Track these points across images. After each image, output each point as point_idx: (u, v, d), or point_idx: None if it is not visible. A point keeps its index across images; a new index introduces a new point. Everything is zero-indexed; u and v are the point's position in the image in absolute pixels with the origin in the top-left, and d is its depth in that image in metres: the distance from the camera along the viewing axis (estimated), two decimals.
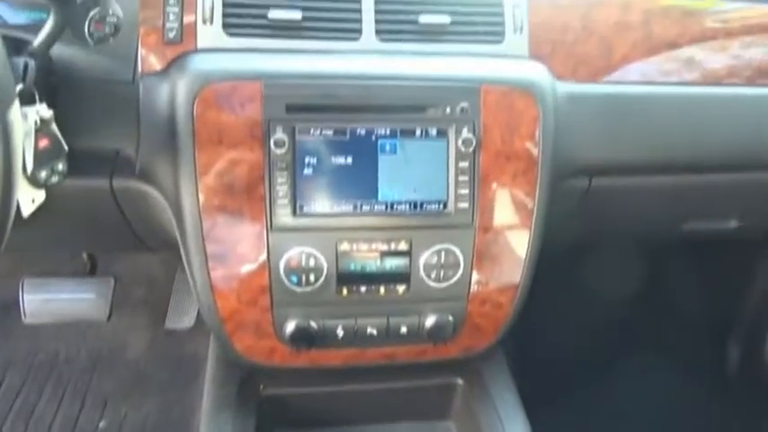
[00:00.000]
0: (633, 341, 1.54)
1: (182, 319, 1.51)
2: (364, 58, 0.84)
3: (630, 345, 1.54)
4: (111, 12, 0.85)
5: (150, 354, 1.53)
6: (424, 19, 0.85)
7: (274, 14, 0.83)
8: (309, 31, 0.84)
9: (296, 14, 0.83)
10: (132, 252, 1.45)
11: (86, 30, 0.84)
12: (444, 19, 0.86)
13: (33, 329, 1.48)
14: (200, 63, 0.80)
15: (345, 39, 0.85)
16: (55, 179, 0.77)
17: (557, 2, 0.91)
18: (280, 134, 0.79)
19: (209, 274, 0.82)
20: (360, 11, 0.85)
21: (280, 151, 0.79)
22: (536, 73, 0.87)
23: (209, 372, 0.95)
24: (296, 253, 0.81)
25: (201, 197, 0.79)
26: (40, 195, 0.77)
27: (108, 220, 0.92)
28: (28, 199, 0.75)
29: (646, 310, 1.55)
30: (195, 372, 1.48)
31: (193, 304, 1.51)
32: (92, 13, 0.84)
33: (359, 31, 0.85)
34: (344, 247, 0.82)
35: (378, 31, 0.85)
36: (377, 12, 0.85)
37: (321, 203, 0.81)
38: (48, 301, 1.37)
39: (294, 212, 0.80)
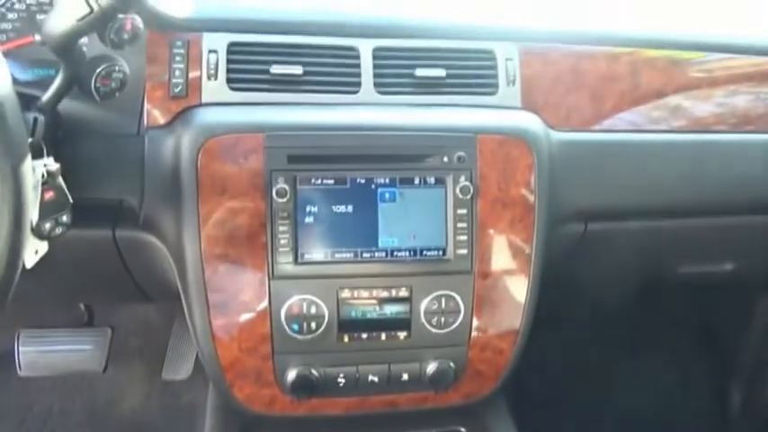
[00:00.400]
0: (630, 381, 1.53)
1: (179, 369, 1.49)
2: (362, 110, 0.87)
3: (627, 384, 1.53)
4: (117, 68, 0.88)
5: (147, 405, 1.50)
6: (421, 72, 0.89)
7: (276, 69, 0.86)
8: (310, 84, 0.87)
9: (297, 69, 0.86)
10: (131, 302, 1.45)
11: (93, 85, 0.87)
12: (440, 72, 0.89)
13: (27, 382, 1.46)
14: (204, 116, 0.83)
15: (345, 92, 0.88)
16: (59, 230, 0.78)
17: (548, 56, 0.94)
18: (281, 184, 0.80)
19: (210, 322, 0.82)
20: (359, 65, 0.88)
21: (281, 200, 0.80)
22: (529, 122, 0.89)
23: (209, 421, 0.94)
24: (297, 300, 0.82)
25: (204, 246, 0.81)
26: (43, 247, 0.78)
27: (109, 270, 0.92)
28: (31, 250, 0.75)
29: (644, 350, 1.54)
30: (192, 422, 1.45)
31: (191, 354, 1.50)
32: (99, 69, 0.87)
33: (358, 84, 0.88)
34: (345, 294, 0.83)
35: (376, 84, 0.88)
36: (375, 66, 0.88)
37: (322, 251, 0.83)
38: (43, 353, 1.35)
39: (295, 260, 0.82)
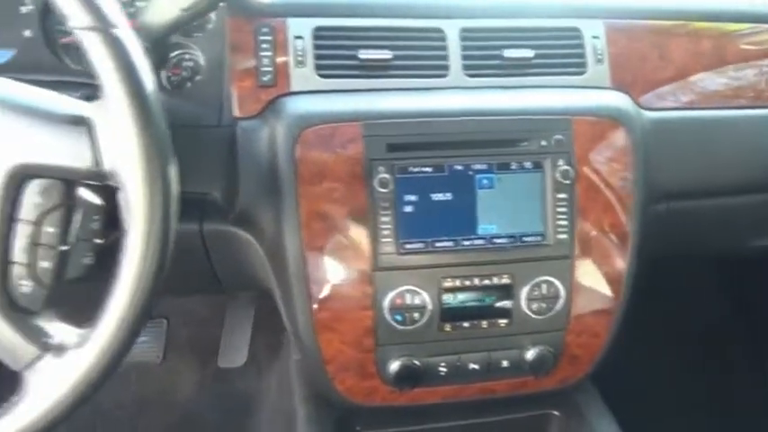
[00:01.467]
0: (728, 359, 1.53)
1: (234, 357, 1.49)
2: (456, 95, 0.84)
3: (727, 363, 1.52)
4: (187, 56, 0.85)
5: (200, 394, 1.50)
6: (509, 53, 0.87)
7: (365, 54, 0.83)
8: (399, 69, 0.85)
9: (386, 54, 0.84)
10: (203, 294, 1.43)
11: (165, 75, 0.84)
12: (528, 53, 0.87)
13: None
14: (297, 106, 0.80)
15: (434, 76, 0.85)
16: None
17: (633, 33, 0.92)
18: (383, 173, 0.79)
19: (312, 315, 0.81)
20: (446, 48, 0.86)
21: (383, 190, 0.78)
22: (621, 102, 0.88)
23: (302, 411, 0.94)
24: (400, 291, 0.81)
25: (305, 239, 0.79)
26: None
27: (190, 263, 0.90)
28: None
29: (740, 326, 1.53)
30: (248, 410, 1.45)
31: (244, 343, 1.49)
32: (169, 57, 0.84)
33: (446, 67, 0.86)
34: (447, 283, 0.82)
35: (465, 67, 0.86)
36: (463, 48, 0.86)
37: (422, 241, 0.81)
38: None
39: (397, 251, 0.80)
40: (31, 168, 0.52)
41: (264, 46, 0.82)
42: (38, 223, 0.53)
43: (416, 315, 0.81)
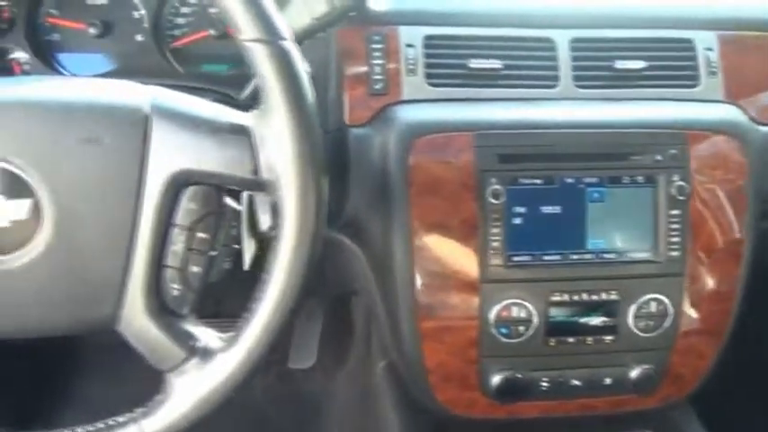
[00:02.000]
0: None
1: (304, 359, 1.50)
2: (567, 106, 0.83)
3: None
4: None
5: (269, 395, 1.51)
6: (620, 64, 0.85)
7: (475, 64, 0.83)
8: (508, 79, 0.84)
9: (496, 63, 0.83)
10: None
11: None
12: (639, 64, 0.85)
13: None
14: (409, 114, 0.80)
15: (544, 86, 0.84)
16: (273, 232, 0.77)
17: (746, 45, 0.90)
18: (495, 184, 0.78)
19: (418, 325, 0.81)
20: (556, 58, 0.85)
21: (496, 201, 0.78)
22: (736, 116, 0.85)
23: (396, 419, 0.94)
24: (506, 304, 0.80)
25: (415, 248, 0.79)
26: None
27: None
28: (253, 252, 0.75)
29: None
30: (317, 411, 1.46)
31: (314, 345, 1.50)
32: None
33: (556, 78, 0.84)
34: (554, 297, 0.81)
35: (575, 78, 0.85)
36: (573, 59, 0.85)
37: (531, 253, 0.80)
38: None
39: (506, 263, 0.79)
40: (191, 175, 0.53)
41: (376, 54, 0.82)
42: (192, 229, 0.54)
43: (522, 328, 0.81)
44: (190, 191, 0.53)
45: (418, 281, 0.79)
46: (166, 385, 0.57)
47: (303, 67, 0.53)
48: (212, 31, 0.91)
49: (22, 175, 0.51)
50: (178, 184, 0.53)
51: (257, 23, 0.50)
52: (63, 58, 0.92)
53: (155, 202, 0.53)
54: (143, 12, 0.91)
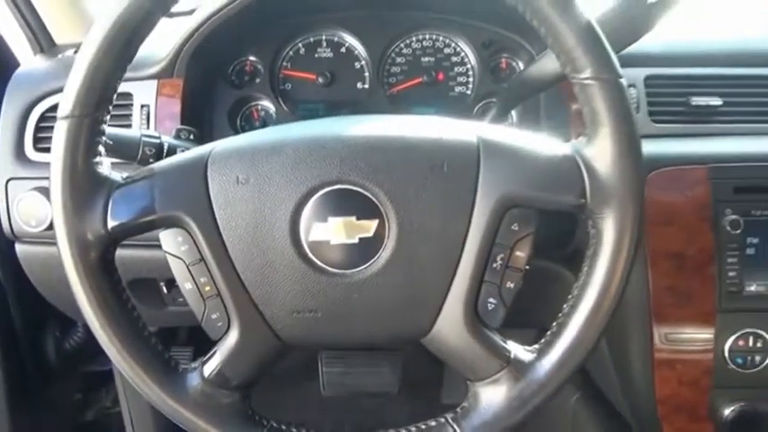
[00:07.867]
0: None
1: (457, 394, 1.51)
2: None
3: None
4: None
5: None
6: None
7: (697, 101, 0.87)
8: (728, 115, 0.88)
9: (716, 101, 0.87)
10: None
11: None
12: None
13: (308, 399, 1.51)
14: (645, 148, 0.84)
15: (764, 121, 0.87)
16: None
17: None
18: (731, 215, 0.80)
19: (651, 354, 0.82)
20: None
21: (734, 232, 0.80)
22: None
23: None
24: (743, 333, 0.81)
25: (651, 278, 0.81)
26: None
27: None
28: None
29: None
30: None
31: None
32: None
33: None
34: None
35: None
36: None
37: (765, 284, 0.81)
38: (345, 373, 1.40)
39: (741, 292, 0.81)
40: (516, 198, 0.58)
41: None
42: (512, 248, 0.58)
43: (758, 358, 0.81)
44: (513, 213, 0.58)
45: (653, 310, 0.81)
46: (473, 395, 0.60)
47: (631, 103, 0.57)
48: (425, 78, 0.99)
49: (374, 199, 0.58)
50: (504, 207, 0.58)
51: (597, 63, 0.55)
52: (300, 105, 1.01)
53: (483, 223, 0.58)
54: (363, 63, 0.99)
